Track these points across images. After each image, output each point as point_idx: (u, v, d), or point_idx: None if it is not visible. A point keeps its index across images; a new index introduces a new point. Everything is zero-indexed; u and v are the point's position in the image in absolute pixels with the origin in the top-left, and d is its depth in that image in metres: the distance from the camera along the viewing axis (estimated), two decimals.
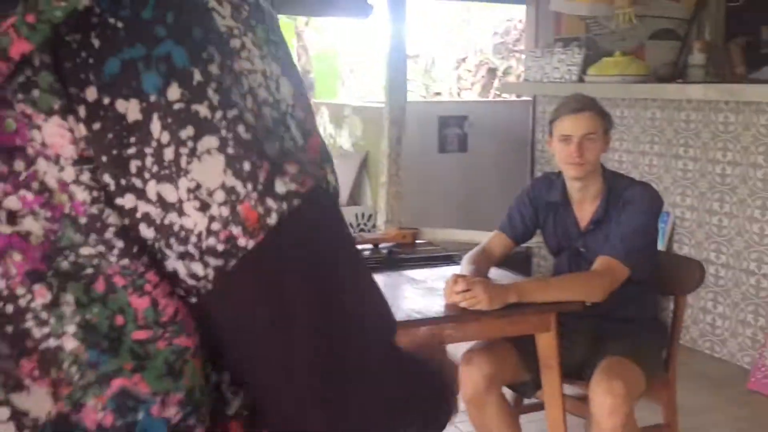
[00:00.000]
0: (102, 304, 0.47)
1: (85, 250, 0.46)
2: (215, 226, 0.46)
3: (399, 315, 1.89)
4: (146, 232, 0.47)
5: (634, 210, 2.17)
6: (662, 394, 2.33)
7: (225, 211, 0.46)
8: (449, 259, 2.39)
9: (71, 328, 0.46)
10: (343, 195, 4.80)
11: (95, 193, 0.46)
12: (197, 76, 0.45)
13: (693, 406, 3.16)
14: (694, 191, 3.83)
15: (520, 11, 6.09)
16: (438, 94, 7.33)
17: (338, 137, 5.18)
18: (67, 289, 0.46)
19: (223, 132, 0.45)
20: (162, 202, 0.46)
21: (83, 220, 0.46)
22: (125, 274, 0.47)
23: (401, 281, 2.20)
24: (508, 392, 2.26)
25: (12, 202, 0.45)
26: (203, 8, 0.46)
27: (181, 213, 0.46)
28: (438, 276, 2.24)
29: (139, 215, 0.47)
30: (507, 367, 2.15)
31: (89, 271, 0.46)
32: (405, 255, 2.45)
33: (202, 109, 0.45)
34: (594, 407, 1.97)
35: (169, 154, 0.45)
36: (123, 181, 0.46)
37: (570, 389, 2.25)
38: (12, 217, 0.45)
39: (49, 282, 0.46)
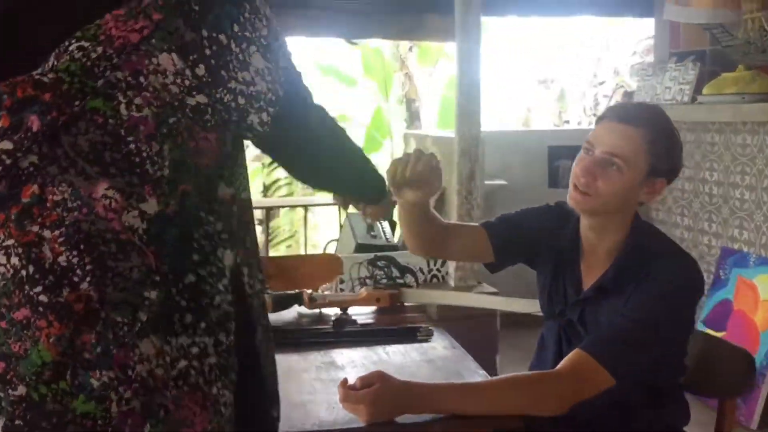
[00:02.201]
0: (180, 148, 0.87)
1: (172, 119, 0.85)
2: (271, 86, 0.92)
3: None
4: (240, 100, 0.90)
5: (652, 291, 1.47)
6: None
7: (270, 78, 0.92)
8: (407, 335, 1.83)
9: (167, 163, 0.86)
10: None
11: (184, 88, 0.86)
12: (238, 25, 0.89)
13: None
14: None
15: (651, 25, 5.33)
16: (566, 122, 6.63)
17: None
18: (166, 142, 0.86)
19: (259, 46, 0.90)
20: (245, 81, 0.89)
21: (176, 103, 0.85)
22: (193, 131, 0.88)
23: (310, 365, 1.67)
24: None
25: (138, 100, 0.83)
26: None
27: (255, 84, 0.90)
28: (374, 359, 1.70)
29: (238, 91, 0.89)
30: None
31: (175, 130, 0.86)
32: (354, 328, 1.93)
33: (249, 34, 0.89)
34: None
35: (241, 57, 0.88)
36: (230, 74, 0.88)
37: None
38: (139, 107, 0.83)
39: (158, 139, 0.85)
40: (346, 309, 2.12)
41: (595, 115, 6.89)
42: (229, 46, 0.88)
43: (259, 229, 6.36)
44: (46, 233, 0.84)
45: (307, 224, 5.20)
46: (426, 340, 1.84)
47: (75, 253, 0.84)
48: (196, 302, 0.91)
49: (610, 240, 1.59)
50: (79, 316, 0.85)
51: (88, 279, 0.85)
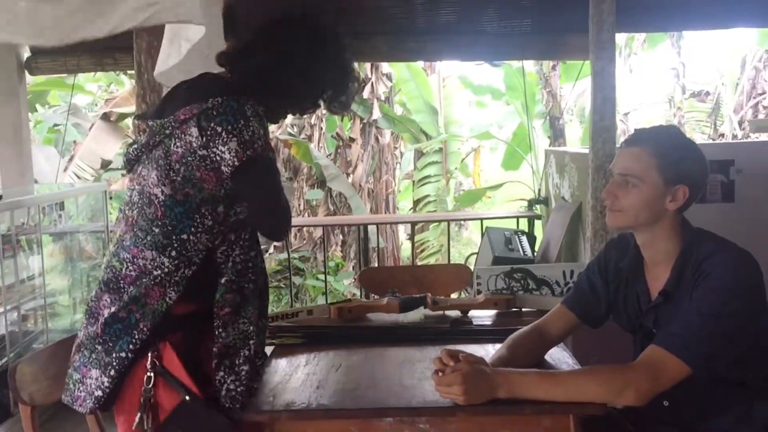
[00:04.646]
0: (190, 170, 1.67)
1: (189, 157, 1.66)
2: (238, 155, 1.63)
3: (354, 402, 1.64)
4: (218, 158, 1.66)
5: (707, 286, 1.61)
6: None
7: (237, 153, 1.63)
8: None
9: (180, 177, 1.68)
10: (554, 251, 4.38)
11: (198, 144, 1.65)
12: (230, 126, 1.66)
13: None
14: None
15: None
16: (722, 136, 6.46)
17: (561, 187, 4.78)
18: (184, 166, 1.67)
19: (238, 138, 1.63)
20: (224, 152, 1.64)
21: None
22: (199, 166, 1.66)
23: (425, 356, 1.88)
24: None
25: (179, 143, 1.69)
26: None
27: (225, 153, 1.64)
28: (481, 353, 1.89)
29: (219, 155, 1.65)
30: None
31: (191, 162, 1.66)
32: (470, 327, 2.12)
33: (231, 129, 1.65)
34: None
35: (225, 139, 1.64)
36: (215, 144, 1.64)
37: None
38: (177, 146, 1.68)
39: (182, 162, 1.66)
40: (467, 312, 2.32)
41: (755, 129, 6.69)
42: (220, 133, 1.61)
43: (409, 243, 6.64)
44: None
45: (453, 239, 5.39)
46: None
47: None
48: None
49: (663, 250, 1.74)
50: None
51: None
